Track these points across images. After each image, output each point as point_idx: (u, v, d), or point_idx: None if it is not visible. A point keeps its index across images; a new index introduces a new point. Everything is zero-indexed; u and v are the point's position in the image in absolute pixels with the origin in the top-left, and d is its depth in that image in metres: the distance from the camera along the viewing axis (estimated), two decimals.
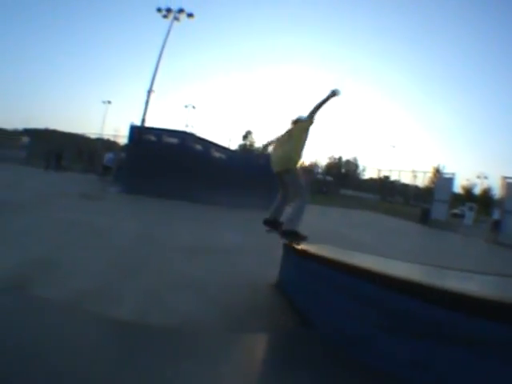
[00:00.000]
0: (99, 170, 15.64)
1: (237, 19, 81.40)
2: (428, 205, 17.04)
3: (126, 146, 12.44)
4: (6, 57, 67.40)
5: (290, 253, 3.39)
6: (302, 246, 3.29)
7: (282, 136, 3.70)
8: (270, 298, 3.23)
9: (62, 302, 2.63)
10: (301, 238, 3.39)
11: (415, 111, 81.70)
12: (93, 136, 29.23)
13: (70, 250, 4.09)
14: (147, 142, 11.04)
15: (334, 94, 3.38)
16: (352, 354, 2.03)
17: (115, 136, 27.85)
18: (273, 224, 3.67)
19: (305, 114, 3.56)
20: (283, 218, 3.64)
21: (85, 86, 78.66)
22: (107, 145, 23.43)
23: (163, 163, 10.42)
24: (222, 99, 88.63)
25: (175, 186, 10.12)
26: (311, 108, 3.48)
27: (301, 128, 3.53)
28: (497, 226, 12.73)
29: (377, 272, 2.21)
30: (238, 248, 5.32)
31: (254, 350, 2.31)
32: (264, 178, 10.17)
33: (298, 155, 3.48)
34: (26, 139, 22.31)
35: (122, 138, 25.77)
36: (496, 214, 13.78)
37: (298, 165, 3.56)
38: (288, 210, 3.61)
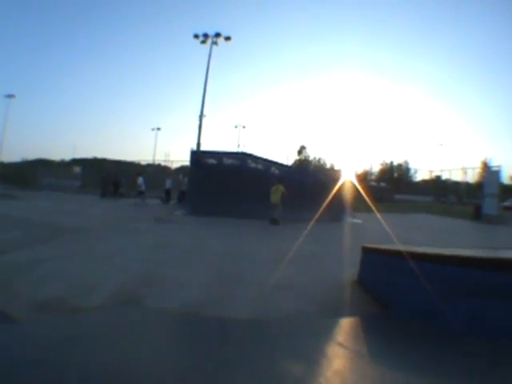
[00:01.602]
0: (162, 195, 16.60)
1: (280, 31, 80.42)
2: (480, 201, 16.68)
3: (188, 171, 13.18)
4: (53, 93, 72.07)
5: (368, 252, 4.02)
6: (376, 246, 4.07)
7: (274, 187, 10.05)
8: (353, 292, 3.76)
9: (180, 311, 2.97)
10: (277, 223, 9.83)
11: (455, 104, 77.64)
12: (143, 162, 30.08)
13: (168, 267, 4.46)
14: (208, 166, 11.67)
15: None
16: (423, 321, 2.58)
17: (166, 161, 28.92)
18: (272, 219, 9.95)
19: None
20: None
21: (133, 116, 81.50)
22: (159, 170, 24.53)
23: (225, 184, 10.99)
24: (273, 116, 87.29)
25: (239, 205, 10.62)
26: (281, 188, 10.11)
27: (281, 189, 9.96)
28: None
29: (437, 254, 2.98)
30: (315, 255, 5.76)
31: (346, 330, 2.68)
32: (321, 191, 10.57)
33: (279, 199, 9.92)
34: (77, 169, 23.97)
35: (174, 163, 26.92)
36: None
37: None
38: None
